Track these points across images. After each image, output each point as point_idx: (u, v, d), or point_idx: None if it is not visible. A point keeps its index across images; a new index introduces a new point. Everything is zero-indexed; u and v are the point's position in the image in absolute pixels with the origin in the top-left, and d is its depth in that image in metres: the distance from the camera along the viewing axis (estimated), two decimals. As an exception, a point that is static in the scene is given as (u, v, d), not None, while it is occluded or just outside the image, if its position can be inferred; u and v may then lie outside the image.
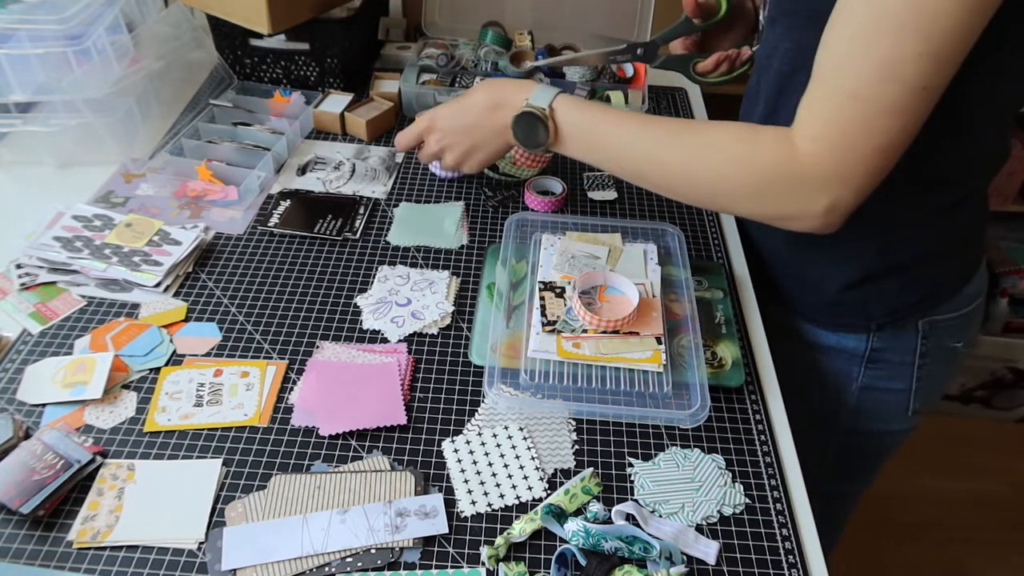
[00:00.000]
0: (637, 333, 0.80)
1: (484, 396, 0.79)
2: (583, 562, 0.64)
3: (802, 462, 0.76)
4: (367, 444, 0.74)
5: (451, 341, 0.85)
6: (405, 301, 0.90)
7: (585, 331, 0.80)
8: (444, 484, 0.71)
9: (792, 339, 0.97)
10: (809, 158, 0.66)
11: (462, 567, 0.65)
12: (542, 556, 0.66)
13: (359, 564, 0.64)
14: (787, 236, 0.83)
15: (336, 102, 1.20)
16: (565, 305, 0.82)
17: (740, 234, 1.04)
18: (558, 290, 0.84)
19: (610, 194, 1.09)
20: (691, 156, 0.73)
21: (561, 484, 0.71)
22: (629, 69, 1.29)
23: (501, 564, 0.64)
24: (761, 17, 0.87)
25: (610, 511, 0.68)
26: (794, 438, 0.78)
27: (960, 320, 0.91)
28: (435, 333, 0.86)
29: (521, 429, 0.76)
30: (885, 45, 0.60)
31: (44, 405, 0.76)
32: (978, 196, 0.87)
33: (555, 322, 0.81)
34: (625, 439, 0.76)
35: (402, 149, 0.98)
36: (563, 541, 0.66)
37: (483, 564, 0.65)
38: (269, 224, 1.00)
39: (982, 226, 0.91)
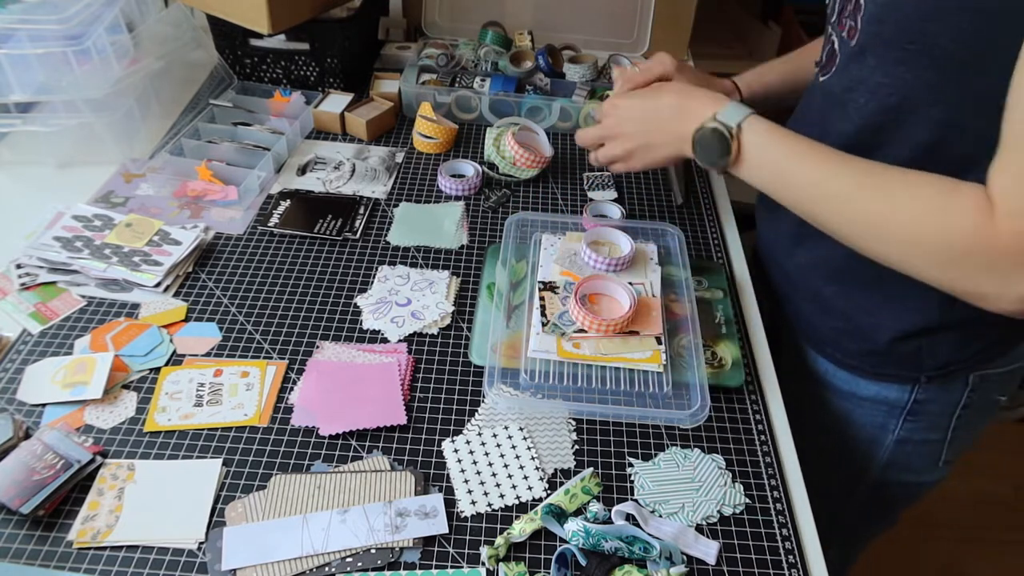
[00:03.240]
0: (637, 333, 0.80)
1: (484, 396, 0.79)
2: (583, 562, 0.64)
3: (826, 507, 0.72)
4: (367, 444, 0.74)
5: (451, 341, 0.85)
6: (405, 301, 0.90)
7: (581, 332, 0.80)
8: (444, 484, 0.71)
9: (823, 385, 0.92)
10: (1008, 231, 0.57)
11: (462, 567, 0.65)
12: (542, 556, 0.66)
13: (359, 564, 0.64)
14: (835, 277, 0.84)
15: (336, 102, 1.20)
16: (563, 306, 0.82)
17: (755, 275, 0.98)
18: (557, 289, 0.84)
19: (610, 194, 1.09)
20: (883, 208, 0.64)
21: (561, 484, 0.71)
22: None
23: (501, 564, 0.64)
24: (835, 44, 0.78)
25: (610, 511, 0.68)
26: (818, 486, 0.74)
27: (1010, 374, 0.86)
28: (435, 333, 0.86)
29: (521, 429, 0.76)
30: None
31: (44, 405, 0.76)
32: None
33: (548, 323, 0.81)
34: (625, 439, 0.76)
35: (584, 145, 0.93)
36: (563, 541, 0.66)
37: (483, 564, 0.65)
38: (269, 224, 1.00)
39: None
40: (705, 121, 0.75)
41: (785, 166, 0.71)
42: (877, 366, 0.86)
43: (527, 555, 0.66)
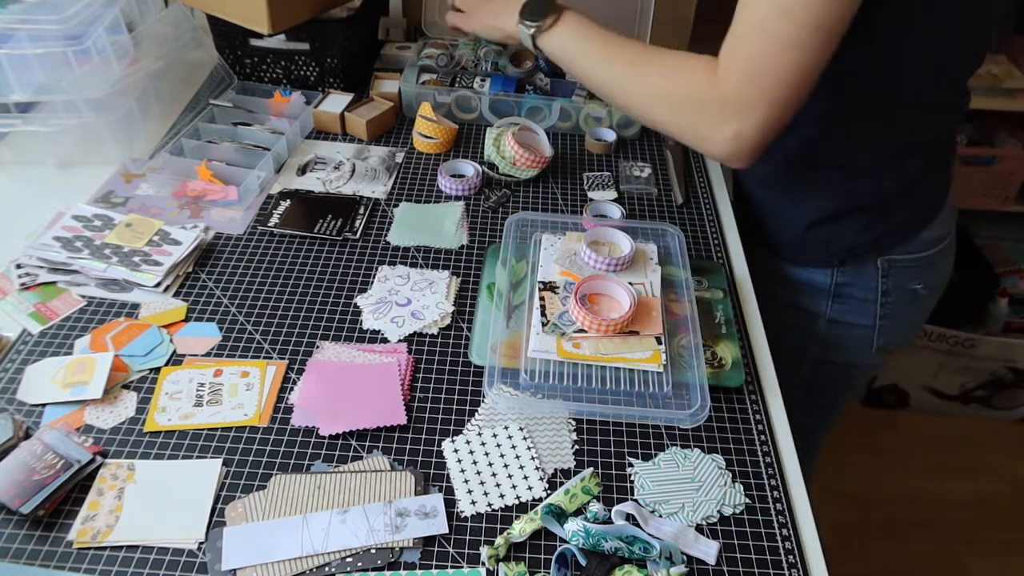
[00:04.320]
0: (637, 333, 0.80)
1: (484, 396, 0.79)
2: (583, 562, 0.64)
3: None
4: (367, 444, 0.74)
5: (451, 341, 0.85)
6: (405, 301, 0.90)
7: (581, 332, 0.80)
8: (444, 484, 0.71)
9: (773, 278, 1.05)
10: (721, 83, 0.74)
11: (462, 567, 0.65)
12: (542, 556, 0.66)
13: (359, 564, 0.64)
14: (767, 175, 0.99)
15: (336, 102, 1.20)
16: (562, 306, 0.82)
17: (733, 181, 1.13)
18: (557, 289, 0.84)
19: (610, 194, 1.09)
20: (638, 71, 0.83)
21: (561, 484, 0.71)
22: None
23: (501, 564, 0.64)
24: None
25: (610, 511, 0.68)
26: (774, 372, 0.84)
27: (919, 262, 0.98)
28: (435, 333, 0.86)
29: (521, 429, 0.76)
30: None
31: (44, 405, 0.76)
32: (935, 145, 0.92)
33: (548, 323, 0.81)
34: (625, 439, 0.76)
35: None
36: (563, 541, 0.66)
37: (483, 564, 0.65)
38: (269, 224, 1.00)
39: (942, 174, 0.97)
40: None
41: (584, 38, 0.88)
42: (802, 251, 1.02)
43: (527, 555, 0.66)
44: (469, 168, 1.11)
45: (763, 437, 0.77)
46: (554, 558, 0.65)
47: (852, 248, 0.97)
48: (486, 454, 0.74)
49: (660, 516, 0.69)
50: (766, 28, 0.70)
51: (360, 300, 0.90)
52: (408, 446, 0.74)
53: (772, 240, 1.05)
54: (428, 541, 0.66)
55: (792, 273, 1.05)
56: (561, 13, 0.90)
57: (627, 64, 0.84)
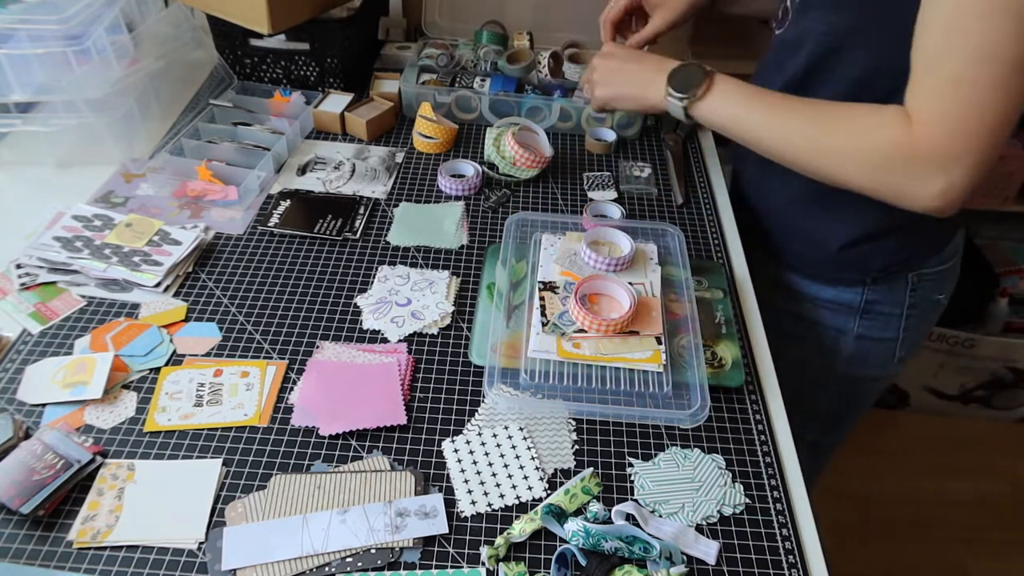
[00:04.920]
0: (637, 333, 0.80)
1: (484, 396, 0.79)
2: (583, 562, 0.64)
3: (792, 414, 0.80)
4: (367, 444, 0.74)
5: (451, 341, 0.85)
6: (405, 301, 0.90)
7: (581, 332, 0.80)
8: (444, 484, 0.71)
9: (789, 295, 1.05)
10: (923, 139, 0.69)
11: (462, 567, 0.65)
12: (542, 556, 0.66)
13: (359, 564, 0.64)
14: (794, 196, 0.97)
15: (336, 102, 1.20)
16: (562, 306, 0.82)
17: (733, 195, 1.11)
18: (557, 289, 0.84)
19: (610, 194, 1.09)
20: (821, 131, 0.77)
21: (561, 484, 0.71)
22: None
23: (501, 564, 0.64)
24: (787, 3, 0.92)
25: (610, 511, 0.68)
26: (785, 391, 0.83)
27: (943, 274, 1.00)
28: (435, 333, 0.86)
29: (521, 429, 0.76)
30: (978, 29, 0.65)
31: (44, 405, 0.76)
32: None
33: (548, 323, 0.81)
34: (625, 439, 0.76)
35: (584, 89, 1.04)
36: (563, 541, 0.66)
37: (483, 564, 0.65)
38: (269, 224, 1.00)
39: None
40: (681, 64, 0.89)
41: (744, 101, 0.83)
42: (832, 272, 1.01)
43: (527, 555, 0.66)
44: (469, 168, 1.11)
45: (763, 437, 0.77)
46: (554, 558, 0.65)
47: (886, 267, 0.97)
48: (486, 454, 0.74)
49: (660, 516, 0.69)
50: (964, 77, 0.66)
51: (360, 300, 0.90)
52: (408, 446, 0.74)
53: (797, 259, 1.03)
54: (428, 541, 0.66)
55: (817, 291, 1.03)
56: (712, 78, 0.84)
57: (805, 124, 0.78)
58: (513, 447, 0.74)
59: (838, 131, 0.76)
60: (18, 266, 0.90)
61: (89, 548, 0.64)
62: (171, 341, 0.83)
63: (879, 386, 1.16)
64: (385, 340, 0.85)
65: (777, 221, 1.03)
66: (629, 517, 0.68)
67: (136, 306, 0.87)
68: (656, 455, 0.74)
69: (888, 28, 0.77)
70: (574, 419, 0.77)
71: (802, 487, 0.74)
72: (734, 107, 0.83)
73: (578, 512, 0.69)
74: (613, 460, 0.74)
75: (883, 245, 0.95)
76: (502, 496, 0.70)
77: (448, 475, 0.72)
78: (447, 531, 0.67)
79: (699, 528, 0.69)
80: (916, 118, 0.70)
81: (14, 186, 1.07)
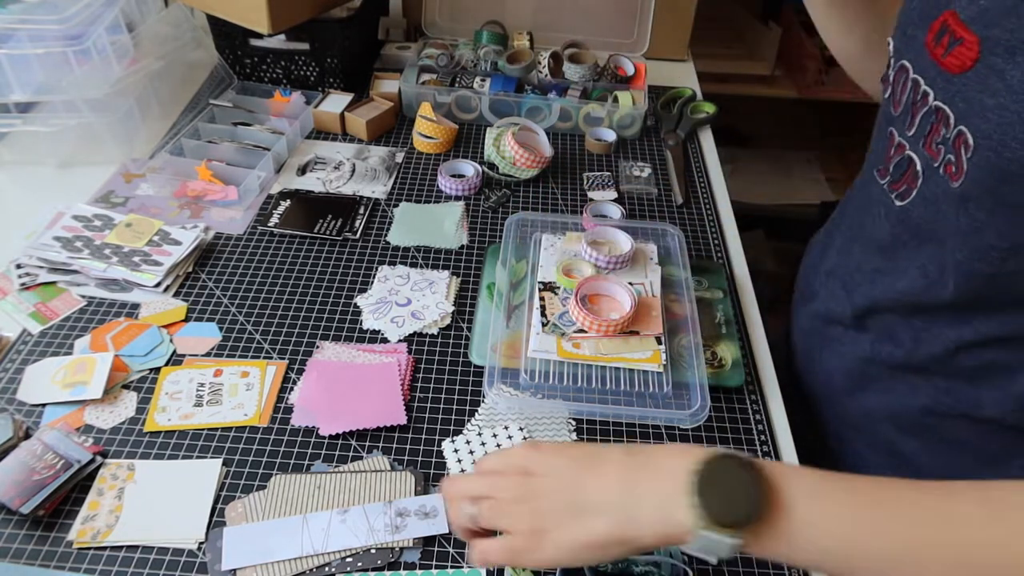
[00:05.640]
0: (637, 333, 0.80)
1: (484, 396, 0.79)
2: (588, 573, 0.63)
3: None
4: (367, 444, 0.74)
5: (451, 341, 0.85)
6: (405, 301, 0.90)
7: (581, 332, 0.80)
8: (444, 484, 0.71)
9: None
10: None
11: (462, 567, 0.65)
12: (542, 556, 0.65)
13: (359, 564, 0.64)
14: (915, 432, 0.71)
15: (336, 102, 1.20)
16: (563, 307, 0.82)
17: (784, 381, 0.84)
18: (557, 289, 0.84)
19: (610, 194, 1.09)
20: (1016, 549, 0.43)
21: (561, 484, 0.71)
22: (629, 67, 1.29)
23: (507, 571, 0.64)
24: (916, 164, 0.65)
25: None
26: None
27: None
28: (435, 333, 0.86)
29: (521, 429, 0.76)
30: None
31: (44, 405, 0.76)
32: None
33: (548, 323, 0.81)
34: (625, 439, 0.76)
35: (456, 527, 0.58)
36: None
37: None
38: (269, 224, 1.00)
39: None
40: (704, 457, 0.48)
41: (854, 520, 0.46)
42: None
43: (527, 555, 0.66)
44: (469, 168, 1.11)
45: (763, 437, 0.77)
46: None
47: None
48: (486, 454, 0.73)
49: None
50: None
51: (360, 300, 0.90)
52: (408, 446, 0.74)
53: None
54: (428, 541, 0.66)
55: None
56: (774, 485, 0.47)
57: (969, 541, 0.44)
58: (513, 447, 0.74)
59: None
60: (18, 266, 0.90)
61: (89, 548, 0.64)
62: (171, 341, 0.83)
63: None
64: (385, 340, 0.85)
65: (874, 442, 0.78)
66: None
67: (136, 306, 0.87)
68: (656, 455, 0.74)
69: None
70: (574, 419, 0.77)
71: (802, 487, 0.73)
72: (833, 541, 0.46)
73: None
74: (613, 460, 0.74)
75: None
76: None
77: (448, 475, 0.72)
78: (447, 531, 0.67)
79: (699, 528, 0.68)
80: None
81: (14, 186, 1.07)
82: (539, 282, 0.85)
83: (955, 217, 0.60)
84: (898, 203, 0.68)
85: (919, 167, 0.65)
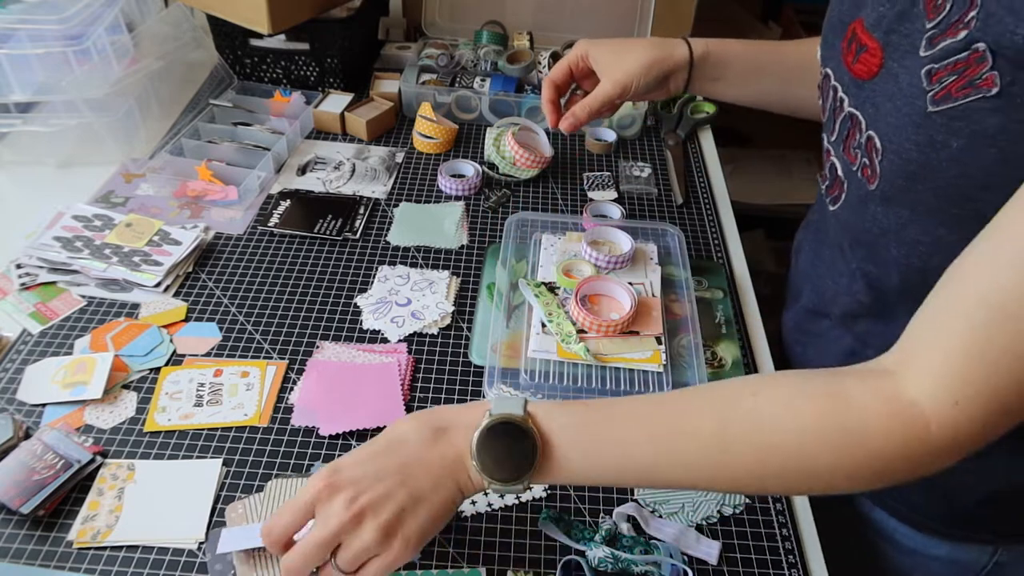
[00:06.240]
0: (637, 333, 0.80)
1: (484, 396, 0.79)
2: (588, 574, 0.63)
3: None
4: (367, 444, 0.74)
5: (451, 341, 0.85)
6: (405, 301, 0.90)
7: (581, 332, 0.80)
8: (444, 484, 0.71)
9: (879, 536, 0.82)
10: (946, 428, 0.49)
11: (462, 567, 0.65)
12: (542, 556, 0.66)
13: (359, 564, 0.64)
14: None
15: (336, 102, 1.20)
16: (563, 307, 0.82)
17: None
18: (557, 291, 0.84)
19: (610, 194, 1.09)
20: (759, 442, 0.52)
21: (561, 484, 0.71)
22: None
23: (508, 571, 0.64)
24: (838, 169, 0.68)
25: (643, 538, 0.68)
26: None
27: None
28: (435, 333, 0.86)
29: (521, 429, 0.76)
30: None
31: (44, 405, 0.76)
32: None
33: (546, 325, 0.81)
34: (625, 439, 0.76)
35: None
36: (565, 548, 0.66)
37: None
38: (269, 224, 1.00)
39: None
40: (478, 424, 0.55)
41: (613, 431, 0.55)
42: (955, 526, 0.75)
43: (526, 555, 0.66)
44: (469, 168, 1.11)
45: (763, 437, 0.77)
46: (559, 566, 0.65)
47: None
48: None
49: (660, 516, 0.69)
50: None
51: (360, 300, 0.90)
52: (408, 446, 0.74)
53: (898, 500, 0.77)
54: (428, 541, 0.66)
55: (921, 545, 0.78)
56: (538, 426, 0.55)
57: (715, 419, 0.53)
58: (513, 447, 0.74)
59: (789, 443, 0.52)
60: (18, 266, 0.90)
61: (89, 548, 0.64)
62: (171, 341, 0.83)
63: None
64: (385, 340, 0.85)
65: None
66: (630, 518, 0.68)
67: (136, 306, 0.87)
68: (656, 455, 0.74)
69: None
70: (574, 419, 0.77)
71: (802, 487, 0.73)
72: (595, 449, 0.55)
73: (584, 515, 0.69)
74: (613, 460, 0.74)
75: None
76: (502, 496, 0.70)
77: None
78: (447, 531, 0.67)
79: (699, 528, 0.69)
80: (945, 396, 0.49)
81: (14, 186, 1.07)
82: (539, 283, 0.85)
83: (883, 217, 0.63)
84: (831, 207, 0.71)
85: (840, 171, 0.68)
